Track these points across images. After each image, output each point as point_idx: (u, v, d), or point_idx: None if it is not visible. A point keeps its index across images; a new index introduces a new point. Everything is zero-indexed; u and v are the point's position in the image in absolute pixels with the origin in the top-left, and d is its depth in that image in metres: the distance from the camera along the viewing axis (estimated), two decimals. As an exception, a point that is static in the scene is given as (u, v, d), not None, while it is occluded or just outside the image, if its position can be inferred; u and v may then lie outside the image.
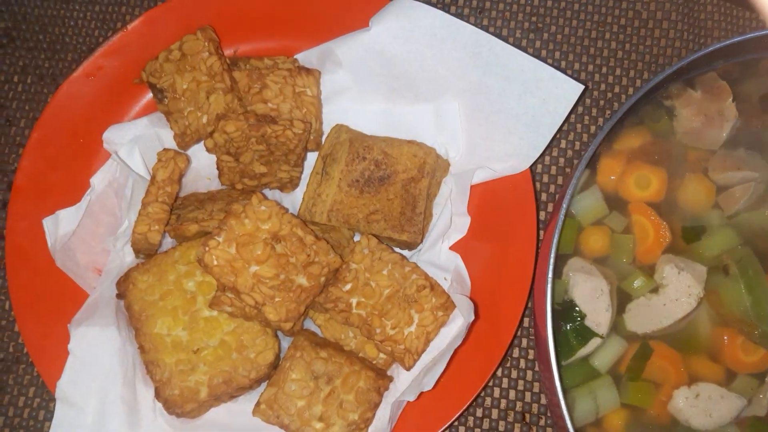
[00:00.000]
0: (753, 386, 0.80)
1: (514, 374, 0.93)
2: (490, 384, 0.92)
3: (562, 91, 0.85)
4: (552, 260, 0.76)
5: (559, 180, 0.98)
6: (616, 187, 0.85)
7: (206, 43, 0.89)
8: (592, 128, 0.99)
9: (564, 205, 0.78)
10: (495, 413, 0.93)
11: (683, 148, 0.86)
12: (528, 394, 0.92)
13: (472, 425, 0.92)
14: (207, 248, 0.79)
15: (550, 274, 0.75)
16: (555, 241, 0.77)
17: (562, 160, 0.99)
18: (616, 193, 0.85)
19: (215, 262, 0.79)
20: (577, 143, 0.99)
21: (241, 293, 0.79)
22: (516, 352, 0.93)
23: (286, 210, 0.83)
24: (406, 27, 0.88)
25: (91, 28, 1.05)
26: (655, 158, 0.85)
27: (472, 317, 0.77)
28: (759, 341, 0.79)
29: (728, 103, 0.85)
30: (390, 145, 0.89)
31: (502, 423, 0.92)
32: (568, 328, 0.80)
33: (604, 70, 1.03)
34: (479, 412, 0.93)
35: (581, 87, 0.85)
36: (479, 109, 0.90)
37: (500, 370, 0.93)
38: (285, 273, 0.81)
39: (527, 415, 0.93)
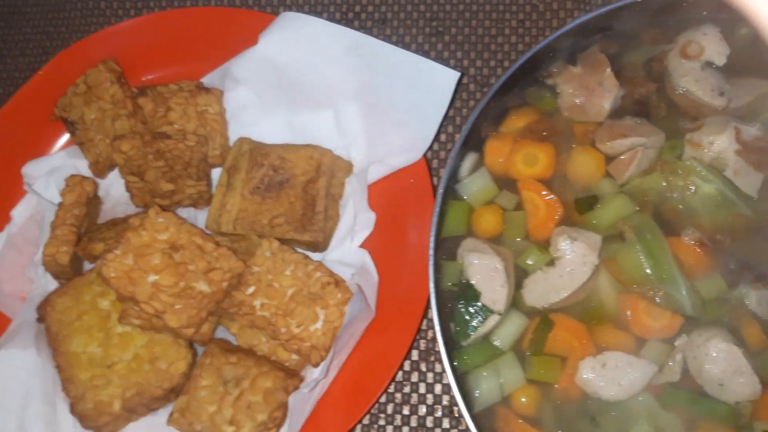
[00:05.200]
0: (663, 351, 0.78)
1: (438, 368, 0.92)
2: (416, 380, 0.92)
3: (441, 81, 0.88)
4: (432, 242, 0.78)
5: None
6: (505, 167, 0.85)
7: (108, 74, 0.94)
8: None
9: (440, 190, 0.79)
10: (422, 409, 0.92)
11: (569, 123, 0.87)
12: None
13: (400, 423, 0.91)
14: (105, 261, 0.82)
15: (431, 261, 0.76)
16: (434, 222, 0.78)
17: (450, 144, 1.01)
18: (506, 173, 0.85)
19: (113, 274, 0.81)
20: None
21: (140, 302, 0.81)
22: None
23: (185, 221, 0.86)
24: (291, 37, 0.92)
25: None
26: (542, 135, 0.86)
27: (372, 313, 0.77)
28: (663, 304, 0.78)
29: (607, 74, 0.86)
30: (287, 150, 0.92)
31: (430, 419, 0.91)
32: (466, 308, 0.80)
33: (506, 63, 1.06)
34: (406, 410, 0.92)
35: (457, 74, 0.88)
36: (373, 109, 0.93)
37: (424, 364, 0.92)
38: (184, 281, 0.83)
39: (455, 409, 0.91)
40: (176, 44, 1.00)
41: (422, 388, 0.92)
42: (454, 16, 1.09)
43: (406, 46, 1.08)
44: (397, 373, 0.91)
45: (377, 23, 1.10)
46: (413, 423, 0.91)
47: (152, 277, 0.82)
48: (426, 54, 1.07)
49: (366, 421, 0.91)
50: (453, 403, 0.91)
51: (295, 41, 0.92)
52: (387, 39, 1.08)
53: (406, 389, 0.92)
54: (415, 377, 0.93)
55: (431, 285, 0.76)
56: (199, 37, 1.00)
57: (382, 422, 0.91)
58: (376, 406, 0.92)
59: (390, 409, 0.92)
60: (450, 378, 0.73)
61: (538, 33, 1.07)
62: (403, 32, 1.09)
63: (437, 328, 0.74)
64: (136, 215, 0.85)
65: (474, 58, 1.07)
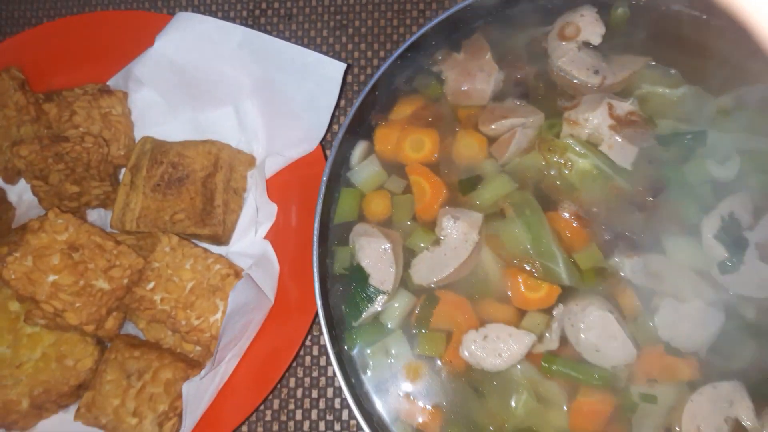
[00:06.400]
0: (542, 322, 0.81)
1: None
2: (324, 363, 0.95)
3: (329, 72, 0.90)
4: (317, 229, 0.80)
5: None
6: (393, 153, 0.88)
7: (12, 82, 0.96)
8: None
9: (324, 178, 0.82)
10: (330, 392, 0.94)
11: (453, 107, 0.90)
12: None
13: (308, 407, 0.94)
14: (5, 264, 0.84)
15: (315, 247, 0.79)
16: (318, 210, 0.81)
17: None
18: (395, 159, 0.88)
19: (13, 276, 0.84)
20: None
21: (40, 302, 0.83)
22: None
23: (84, 221, 0.88)
24: (185, 37, 0.94)
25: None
26: (428, 121, 0.89)
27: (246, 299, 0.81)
28: (541, 276, 0.81)
29: (487, 59, 0.89)
30: (186, 147, 0.94)
31: (337, 400, 0.94)
32: (356, 290, 0.83)
33: (409, 54, 1.08)
34: (315, 393, 0.94)
35: (344, 65, 0.90)
36: (270, 103, 0.95)
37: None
38: (84, 279, 0.85)
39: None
40: (80, 49, 1.02)
41: (330, 372, 0.95)
42: (358, 9, 1.12)
43: (312, 41, 1.11)
44: (304, 358, 0.94)
45: (283, 19, 1.13)
46: (321, 405, 0.94)
47: (52, 277, 0.84)
48: (331, 47, 1.10)
49: (276, 406, 0.94)
50: (362, 384, 0.94)
51: (191, 40, 0.94)
52: (293, 34, 1.11)
53: (315, 373, 0.95)
54: (323, 361, 0.96)
55: (315, 270, 0.78)
56: (102, 41, 1.02)
57: (291, 406, 0.94)
58: (286, 391, 0.95)
59: (300, 393, 0.95)
60: (331, 357, 0.76)
61: (438, 22, 1.09)
62: (308, 27, 1.12)
63: (320, 311, 0.77)
64: (36, 218, 0.87)
65: (377, 49, 1.10)
